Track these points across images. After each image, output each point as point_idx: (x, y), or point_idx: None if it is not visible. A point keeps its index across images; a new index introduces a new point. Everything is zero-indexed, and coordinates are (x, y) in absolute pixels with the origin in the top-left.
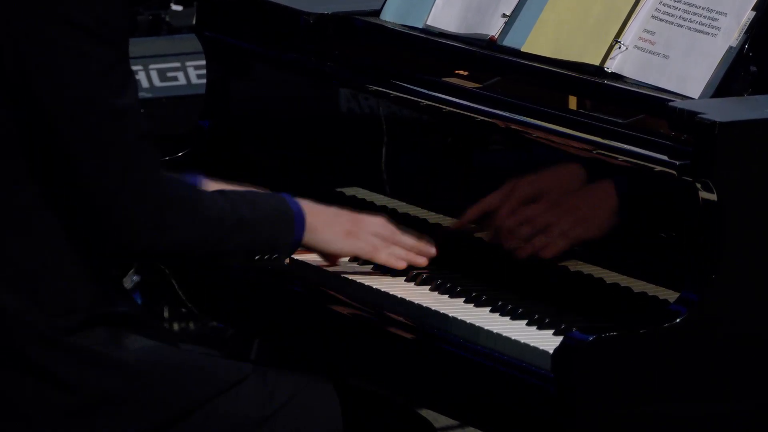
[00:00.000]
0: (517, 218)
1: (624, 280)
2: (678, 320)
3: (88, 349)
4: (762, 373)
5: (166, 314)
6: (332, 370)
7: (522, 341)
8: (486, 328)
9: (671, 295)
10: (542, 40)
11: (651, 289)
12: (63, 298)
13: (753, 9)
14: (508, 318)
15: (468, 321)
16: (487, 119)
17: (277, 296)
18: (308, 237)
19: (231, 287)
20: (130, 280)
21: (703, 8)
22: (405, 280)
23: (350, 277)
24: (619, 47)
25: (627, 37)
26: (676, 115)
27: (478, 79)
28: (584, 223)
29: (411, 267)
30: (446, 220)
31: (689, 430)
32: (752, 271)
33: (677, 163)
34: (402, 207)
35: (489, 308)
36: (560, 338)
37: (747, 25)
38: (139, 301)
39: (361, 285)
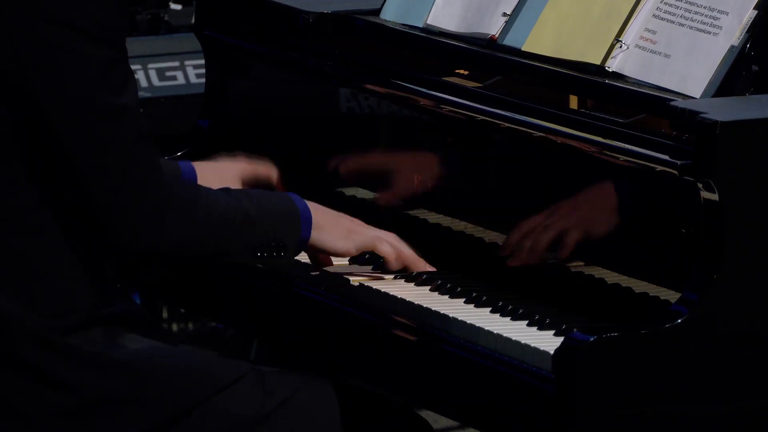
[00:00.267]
0: (528, 227)
1: (625, 281)
2: (679, 321)
3: (87, 349)
4: (763, 374)
5: (165, 314)
6: (331, 370)
7: (522, 342)
8: (486, 328)
9: (672, 296)
10: (543, 40)
11: (652, 290)
12: (62, 299)
13: (755, 8)
14: (508, 318)
15: (468, 321)
16: (488, 119)
17: (277, 296)
18: (315, 236)
19: (231, 287)
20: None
21: (705, 7)
22: (405, 281)
23: (350, 277)
24: (620, 46)
25: (628, 37)
26: (677, 115)
27: (478, 78)
28: (585, 222)
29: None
30: (446, 220)
31: (690, 430)
32: (754, 271)
33: (678, 162)
34: (402, 207)
35: (489, 309)
36: (561, 339)
37: (749, 24)
38: (139, 301)
39: (361, 285)
